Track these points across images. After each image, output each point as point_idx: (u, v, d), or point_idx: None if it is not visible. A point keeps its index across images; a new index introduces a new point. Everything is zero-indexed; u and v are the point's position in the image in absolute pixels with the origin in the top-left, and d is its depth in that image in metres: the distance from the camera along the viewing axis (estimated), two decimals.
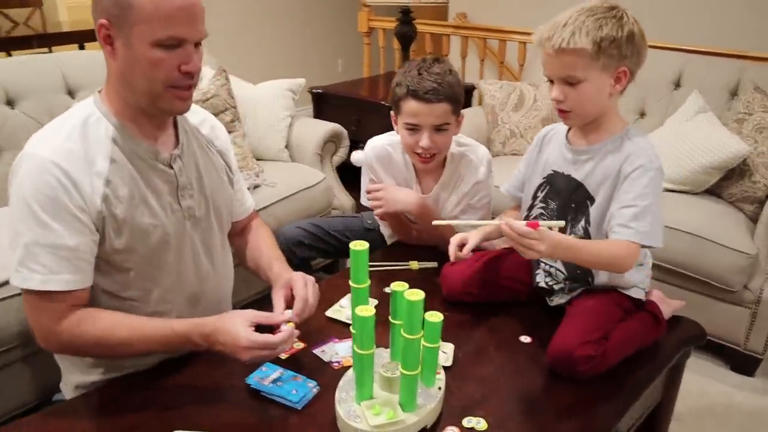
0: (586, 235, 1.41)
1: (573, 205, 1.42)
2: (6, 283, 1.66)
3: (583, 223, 1.41)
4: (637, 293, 1.43)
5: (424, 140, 1.65)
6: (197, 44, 1.16)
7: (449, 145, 1.74)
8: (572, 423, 1.20)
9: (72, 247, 1.14)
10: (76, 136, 1.16)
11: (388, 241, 1.99)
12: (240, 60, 4.55)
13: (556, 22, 1.30)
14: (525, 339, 1.42)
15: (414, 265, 1.74)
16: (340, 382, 1.17)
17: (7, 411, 1.75)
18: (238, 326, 1.17)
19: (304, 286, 1.31)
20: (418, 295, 1.04)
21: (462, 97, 1.68)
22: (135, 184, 1.20)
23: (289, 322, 1.23)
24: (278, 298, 1.31)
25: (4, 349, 1.68)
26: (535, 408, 1.23)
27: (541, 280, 1.51)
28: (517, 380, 1.29)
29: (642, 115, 2.83)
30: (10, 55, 5.15)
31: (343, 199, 2.76)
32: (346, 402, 1.12)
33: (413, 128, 1.67)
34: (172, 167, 1.26)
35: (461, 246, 1.48)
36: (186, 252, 1.31)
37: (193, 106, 1.39)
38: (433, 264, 1.73)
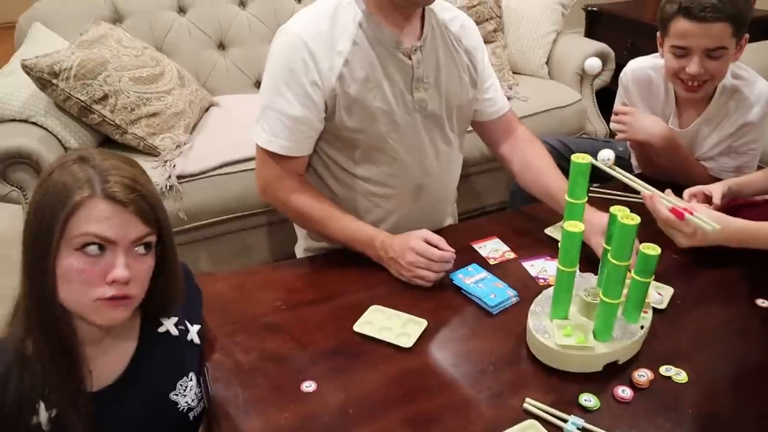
0: None
1: None
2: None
3: None
4: None
5: (693, 66, 1.45)
6: None
7: (723, 74, 1.50)
8: None
9: (295, 117, 1.26)
10: (326, 16, 1.25)
11: (636, 172, 1.84)
12: None
13: None
14: (763, 303, 1.24)
15: None
16: (539, 296, 1.15)
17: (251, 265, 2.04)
18: (413, 235, 1.26)
19: None
20: (632, 219, 0.96)
21: (748, 15, 1.43)
22: (372, 68, 1.27)
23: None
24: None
25: (251, 213, 1.95)
26: (752, 379, 1.07)
27: None
28: (740, 343, 1.14)
29: None
30: None
31: (597, 124, 2.61)
32: (538, 316, 1.10)
33: (681, 52, 1.47)
34: (411, 58, 1.30)
35: (703, 198, 1.33)
36: (412, 142, 1.35)
37: (446, 4, 1.41)
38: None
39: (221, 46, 2.51)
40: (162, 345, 0.98)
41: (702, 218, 0.96)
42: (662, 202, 0.98)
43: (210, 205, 1.96)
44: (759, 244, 1.07)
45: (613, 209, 1.05)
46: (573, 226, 1.01)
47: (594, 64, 1.00)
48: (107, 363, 0.93)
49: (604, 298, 1.02)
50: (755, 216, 1.39)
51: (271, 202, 1.40)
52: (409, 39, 1.31)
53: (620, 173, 1.04)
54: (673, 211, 0.97)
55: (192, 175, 1.94)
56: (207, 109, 2.34)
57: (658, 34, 1.56)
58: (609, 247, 1.06)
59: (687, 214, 0.95)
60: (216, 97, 2.42)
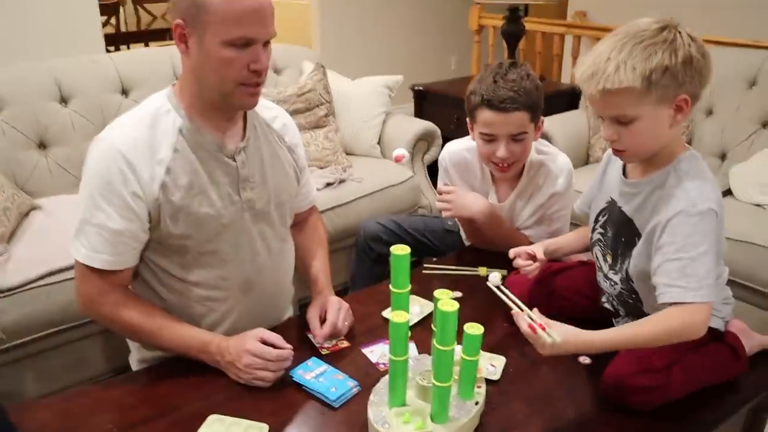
0: (627, 281, 1.31)
1: (623, 239, 1.31)
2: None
3: (627, 264, 1.29)
4: (714, 323, 1.31)
5: (501, 151, 1.61)
6: (266, 43, 1.20)
7: (527, 154, 1.67)
8: None
9: (116, 231, 1.22)
10: (143, 125, 1.23)
11: (467, 245, 1.95)
12: (349, 56, 4.63)
13: (598, 54, 1.14)
14: (585, 360, 1.34)
15: (483, 271, 1.70)
16: (377, 385, 1.16)
17: (83, 380, 1.89)
18: (248, 335, 1.25)
19: (338, 311, 1.37)
20: (452, 306, 1.01)
21: (541, 102, 1.62)
22: (196, 174, 1.26)
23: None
24: (314, 320, 1.37)
25: (81, 323, 1.82)
26: None
27: (606, 300, 1.42)
28: (567, 404, 1.22)
29: None
30: (147, 45, 5.57)
31: (431, 198, 2.74)
32: (377, 405, 1.11)
33: (489, 138, 1.62)
34: (235, 160, 1.30)
35: (526, 256, 1.44)
36: (243, 242, 1.35)
37: (268, 102, 1.44)
38: (503, 272, 1.67)
39: (41, 146, 2.37)
40: None
41: (548, 333, 1.09)
42: (524, 318, 1.13)
43: (34, 319, 1.80)
44: (599, 351, 1.21)
45: (437, 293, 1.10)
46: (399, 316, 1.04)
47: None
48: None
49: (436, 382, 1.05)
50: (571, 278, 1.52)
51: (96, 318, 1.32)
52: (232, 140, 1.31)
53: (506, 294, 1.22)
54: (530, 326, 1.10)
55: (11, 289, 1.78)
56: (27, 214, 2.18)
57: (468, 119, 1.70)
58: (435, 330, 1.10)
59: (539, 329, 1.09)
60: (37, 200, 2.26)
